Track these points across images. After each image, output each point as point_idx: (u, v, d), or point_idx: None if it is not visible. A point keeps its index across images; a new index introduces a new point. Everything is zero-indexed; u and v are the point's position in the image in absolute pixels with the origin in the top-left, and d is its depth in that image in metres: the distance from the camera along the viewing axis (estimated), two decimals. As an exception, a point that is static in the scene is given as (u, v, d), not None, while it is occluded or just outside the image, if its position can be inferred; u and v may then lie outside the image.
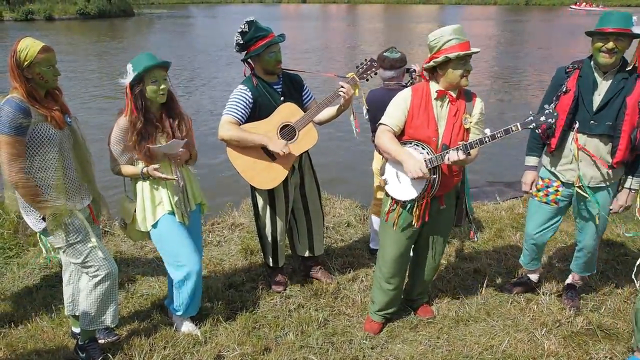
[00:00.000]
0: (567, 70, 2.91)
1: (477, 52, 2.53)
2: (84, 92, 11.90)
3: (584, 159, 2.85)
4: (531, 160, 3.10)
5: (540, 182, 3.08)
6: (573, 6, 51.72)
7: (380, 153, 3.47)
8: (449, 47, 2.47)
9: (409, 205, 2.73)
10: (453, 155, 2.49)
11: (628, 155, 2.79)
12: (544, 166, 3.08)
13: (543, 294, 3.34)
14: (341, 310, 3.28)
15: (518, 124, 2.47)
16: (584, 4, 51.30)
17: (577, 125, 2.80)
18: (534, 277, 3.44)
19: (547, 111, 2.46)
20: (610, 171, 2.85)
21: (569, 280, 3.36)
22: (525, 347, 2.87)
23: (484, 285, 3.44)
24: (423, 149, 2.57)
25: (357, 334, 3.03)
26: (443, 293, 3.43)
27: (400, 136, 2.70)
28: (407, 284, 3.23)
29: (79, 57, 17.85)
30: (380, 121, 2.71)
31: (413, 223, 2.76)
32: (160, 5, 57.08)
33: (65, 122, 2.49)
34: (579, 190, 2.91)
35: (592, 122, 2.78)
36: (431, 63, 2.55)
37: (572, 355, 2.83)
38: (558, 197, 3.03)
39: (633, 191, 2.90)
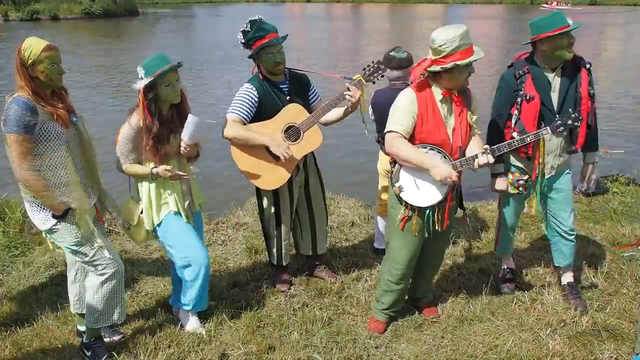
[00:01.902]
0: (517, 76, 2.95)
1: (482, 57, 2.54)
2: (89, 92, 11.94)
3: (549, 152, 3.00)
4: (500, 167, 3.10)
5: (511, 177, 3.14)
6: (545, 5, 51.97)
7: (387, 155, 3.47)
8: (458, 54, 2.45)
9: (428, 211, 2.70)
10: (483, 159, 2.52)
11: (586, 138, 3.02)
12: (511, 163, 3.14)
13: (548, 294, 3.32)
14: (345, 310, 3.28)
15: (548, 128, 2.68)
16: (554, 3, 51.57)
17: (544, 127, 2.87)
18: (511, 265, 3.50)
19: (573, 115, 2.63)
20: (569, 156, 3.10)
21: (566, 280, 3.33)
22: (530, 347, 2.86)
23: (489, 285, 3.43)
24: (439, 152, 2.57)
25: (362, 333, 3.03)
26: (447, 293, 3.42)
27: (411, 141, 2.64)
28: (411, 284, 3.23)
29: (85, 56, 17.92)
30: (388, 128, 2.64)
31: (436, 227, 2.74)
32: (164, 5, 57.19)
33: (70, 121, 2.51)
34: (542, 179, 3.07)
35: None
36: (438, 68, 2.50)
37: (577, 355, 2.82)
38: (527, 185, 3.15)
39: (593, 164, 3.16)
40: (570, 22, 2.82)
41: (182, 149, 2.76)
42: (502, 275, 3.49)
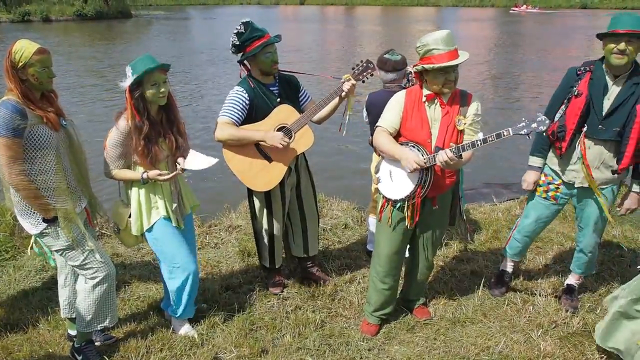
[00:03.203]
0: (579, 72, 2.88)
1: (458, 64, 2.50)
2: (81, 95, 11.88)
3: (590, 161, 2.86)
4: (536, 161, 3.07)
5: (543, 178, 3.09)
6: (514, 9, 52.44)
7: (377, 153, 3.49)
8: (430, 57, 2.49)
9: (399, 204, 2.75)
10: (442, 156, 2.50)
11: (632, 161, 2.79)
12: (547, 164, 3.08)
13: (539, 295, 3.34)
14: (338, 312, 3.28)
15: (510, 129, 2.43)
16: (524, 6, 52.10)
17: (584, 129, 2.82)
18: (509, 268, 3.47)
19: (539, 118, 2.39)
20: (612, 176, 2.88)
21: (569, 281, 3.36)
22: (522, 348, 2.88)
23: (481, 286, 3.45)
24: (418, 150, 2.59)
25: (354, 335, 3.04)
26: (440, 294, 3.43)
27: (397, 138, 2.73)
28: (404, 285, 3.24)
29: (76, 59, 17.82)
30: (377, 124, 2.76)
31: (405, 223, 2.78)
32: (157, 7, 57.04)
33: (60, 124, 2.49)
34: (585, 188, 2.93)
35: (600, 127, 2.79)
36: (414, 69, 2.62)
37: (568, 356, 2.84)
38: (557, 194, 3.07)
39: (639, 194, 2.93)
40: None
41: (178, 170, 2.77)
42: (495, 277, 3.51)
